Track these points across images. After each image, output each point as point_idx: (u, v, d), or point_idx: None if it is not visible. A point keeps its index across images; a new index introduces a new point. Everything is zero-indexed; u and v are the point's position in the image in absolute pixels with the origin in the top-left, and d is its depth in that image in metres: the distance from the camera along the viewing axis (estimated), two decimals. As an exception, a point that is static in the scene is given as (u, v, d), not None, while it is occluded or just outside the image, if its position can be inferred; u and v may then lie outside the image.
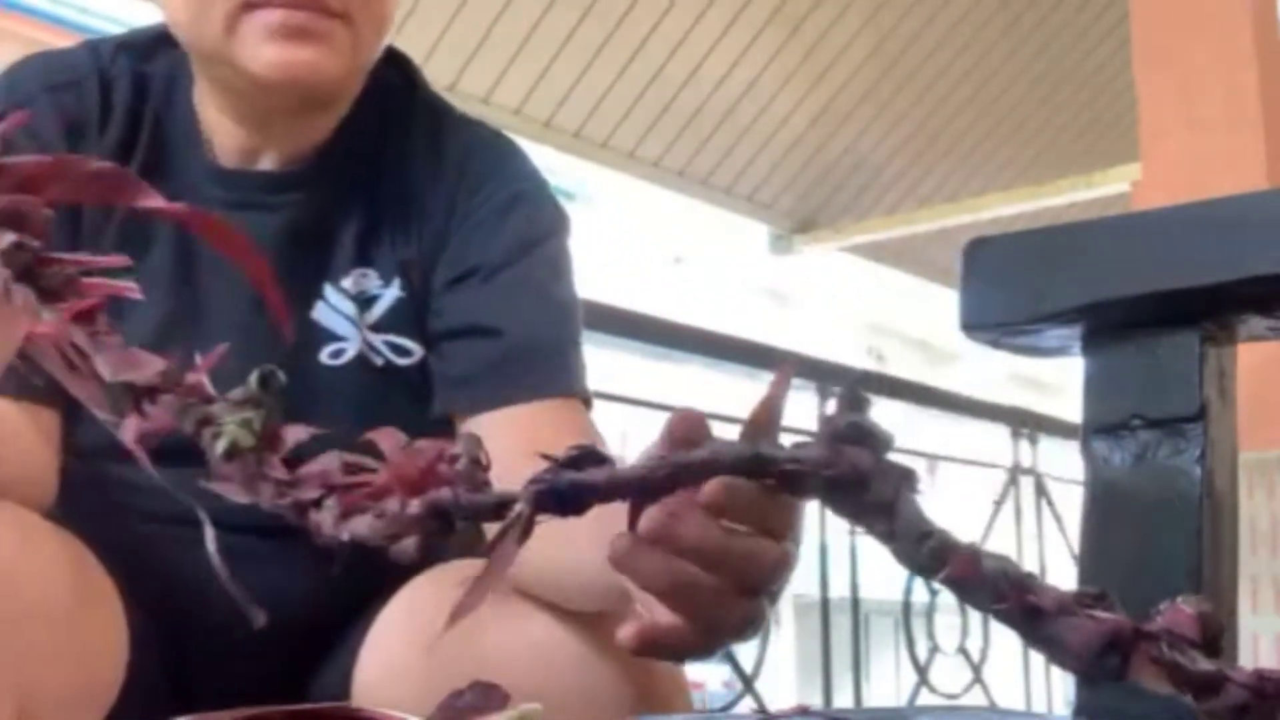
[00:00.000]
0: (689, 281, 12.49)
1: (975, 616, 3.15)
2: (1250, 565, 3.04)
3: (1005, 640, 3.36)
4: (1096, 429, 0.81)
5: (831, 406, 0.48)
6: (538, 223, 1.01)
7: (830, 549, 2.80)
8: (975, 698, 3.16)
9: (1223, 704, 0.42)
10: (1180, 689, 0.42)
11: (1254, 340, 0.84)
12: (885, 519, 0.45)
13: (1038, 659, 3.55)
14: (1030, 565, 2.67)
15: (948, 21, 6.16)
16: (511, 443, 0.50)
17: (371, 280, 0.99)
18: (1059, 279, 0.84)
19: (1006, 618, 0.44)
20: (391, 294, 0.99)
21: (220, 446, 0.46)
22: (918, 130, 6.75)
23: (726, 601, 0.56)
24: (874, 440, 0.45)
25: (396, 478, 0.46)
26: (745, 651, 2.52)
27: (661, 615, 0.57)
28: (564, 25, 5.54)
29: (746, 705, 2.45)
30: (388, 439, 0.47)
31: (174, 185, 0.97)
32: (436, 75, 5.27)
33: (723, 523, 0.55)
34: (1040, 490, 3.47)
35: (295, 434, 0.47)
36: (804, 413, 2.22)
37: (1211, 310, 0.80)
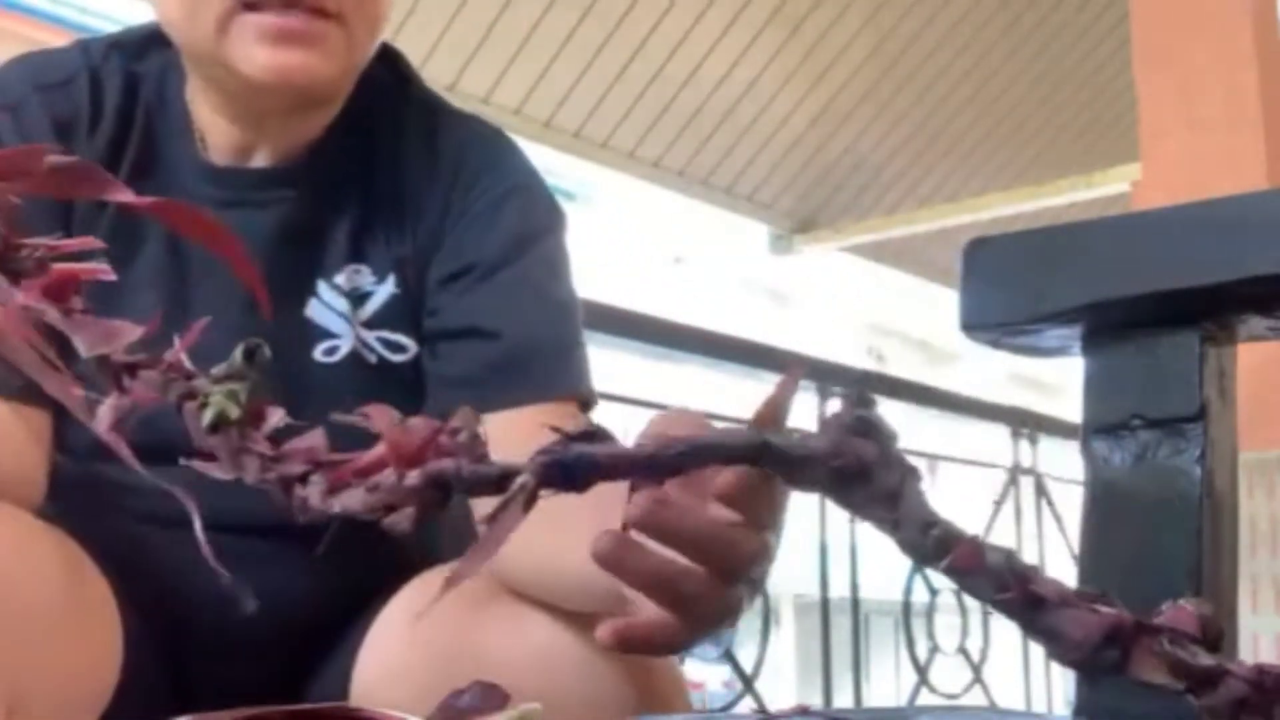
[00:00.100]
0: (689, 281, 12.49)
1: (975, 616, 3.15)
2: (1250, 565, 3.04)
3: (1005, 640, 3.37)
4: (1096, 429, 0.81)
5: (832, 406, 0.49)
6: (533, 219, 1.01)
7: (830, 549, 2.80)
8: (975, 698, 3.16)
9: (1222, 698, 0.43)
10: (1179, 681, 0.43)
11: (1254, 340, 0.84)
12: (889, 509, 0.45)
13: (1038, 659, 3.55)
14: (1030, 565, 2.66)
15: (948, 21, 6.16)
16: (511, 446, 0.50)
17: (365, 276, 0.99)
18: (1059, 279, 0.84)
19: (1008, 608, 0.44)
20: (386, 290, 0.99)
21: (206, 418, 0.46)
22: (918, 130, 6.75)
23: (708, 590, 0.56)
24: (880, 433, 0.45)
25: (392, 451, 0.46)
26: (745, 651, 2.52)
27: (646, 609, 0.57)
28: (564, 25, 5.54)
29: (746, 705, 2.45)
30: (381, 415, 0.46)
31: (165, 183, 0.97)
32: (436, 75, 5.27)
33: (708, 510, 0.55)
34: (1040, 490, 3.47)
35: (279, 413, 0.47)
36: (804, 413, 2.23)
37: (1211, 310, 0.80)
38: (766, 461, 0.46)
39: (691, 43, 5.87)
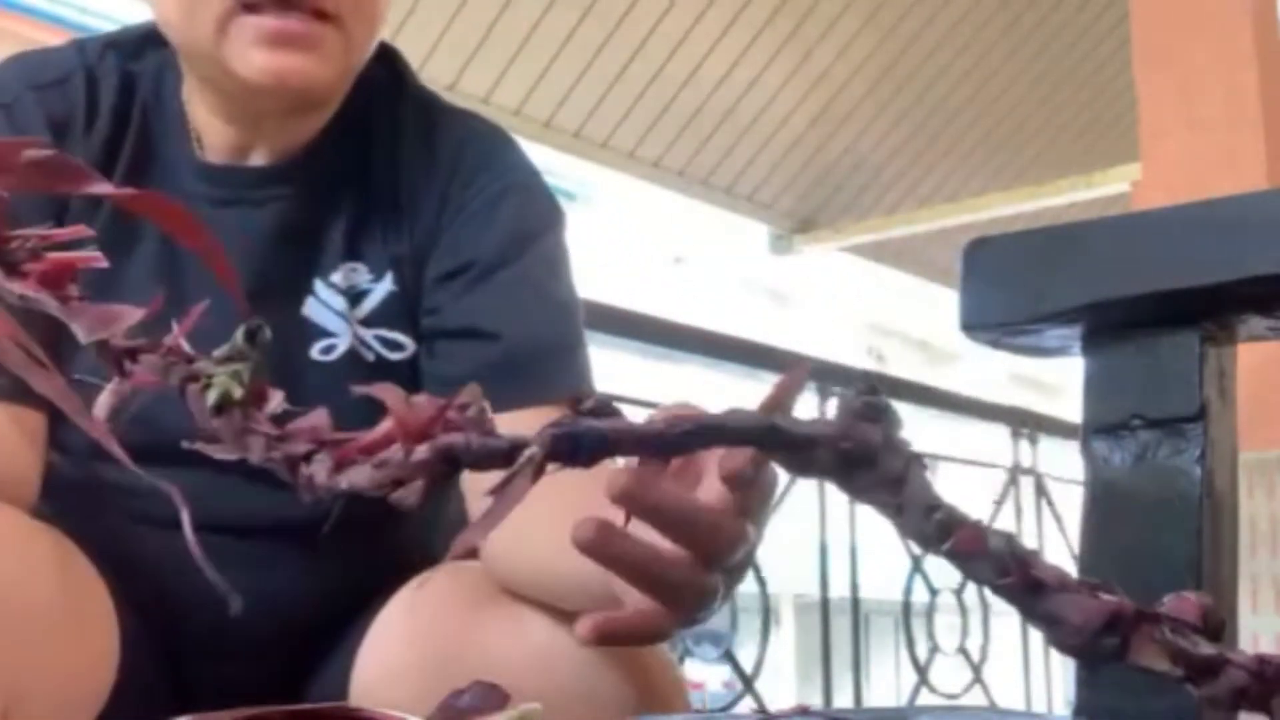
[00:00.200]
0: (689, 281, 12.49)
1: (975, 616, 3.15)
2: (1250, 565, 3.04)
3: (1005, 640, 3.37)
4: (1096, 429, 0.81)
5: (833, 406, 0.49)
6: (532, 217, 1.01)
7: (830, 549, 2.80)
8: (975, 698, 3.16)
9: (1222, 688, 0.43)
10: (1179, 669, 0.43)
11: (1254, 340, 0.84)
12: (893, 493, 0.46)
13: (1038, 659, 3.56)
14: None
15: (948, 21, 6.16)
16: None
17: (362, 274, 0.99)
18: (1059, 279, 0.84)
19: (1009, 593, 0.44)
20: (383, 288, 0.99)
21: (210, 398, 0.46)
22: (918, 130, 6.75)
23: (687, 573, 0.55)
24: (886, 419, 0.46)
25: (400, 427, 0.46)
26: (745, 651, 2.52)
27: (630, 599, 0.57)
28: (564, 25, 5.54)
29: (746, 705, 2.45)
30: (388, 392, 0.47)
31: (161, 182, 0.97)
32: (436, 75, 5.28)
33: (693, 492, 0.55)
34: (1040, 490, 3.47)
35: (279, 395, 0.47)
36: (804, 413, 2.22)
37: (1211, 310, 0.80)
38: (773, 443, 0.47)
39: (691, 43, 5.87)
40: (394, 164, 1.01)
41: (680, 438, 0.47)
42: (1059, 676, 3.64)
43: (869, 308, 13.51)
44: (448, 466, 0.46)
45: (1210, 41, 4.00)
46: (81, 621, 0.87)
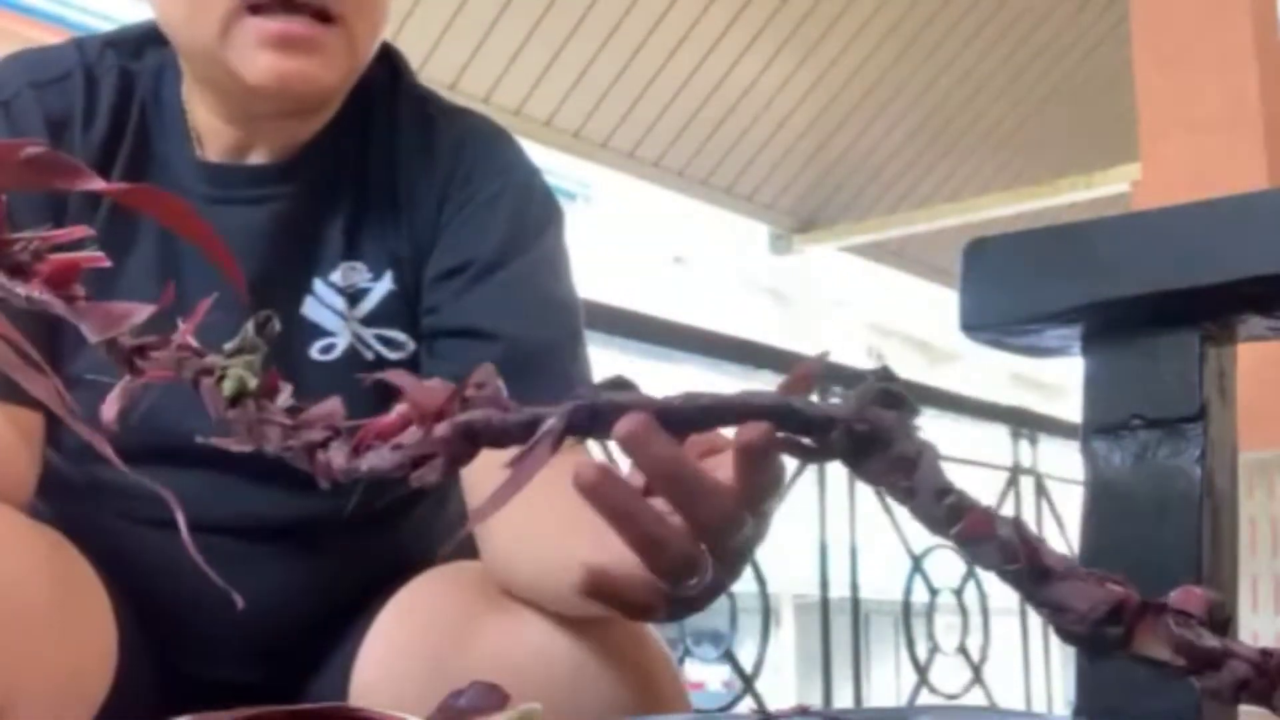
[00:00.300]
0: (689, 281, 12.49)
1: (975, 616, 3.15)
2: (1250, 565, 3.04)
3: (1005, 640, 3.37)
4: (1096, 429, 0.81)
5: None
6: (531, 215, 1.01)
7: (830, 549, 2.80)
8: (975, 698, 3.16)
9: (1224, 680, 0.43)
10: (1181, 659, 0.43)
11: (1254, 340, 0.84)
12: (906, 476, 0.46)
13: (1038, 659, 3.56)
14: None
15: (947, 22, 6.16)
16: (504, 454, 0.49)
17: (361, 273, 0.99)
18: (1059, 279, 0.84)
19: (1015, 579, 0.45)
20: (382, 287, 0.99)
21: (226, 390, 0.46)
22: (918, 130, 6.75)
23: (681, 540, 0.55)
24: (902, 404, 0.46)
25: (414, 408, 0.46)
26: (745, 651, 2.52)
27: (624, 567, 0.57)
28: (564, 25, 5.54)
29: (746, 705, 2.45)
30: (400, 376, 0.47)
31: (160, 180, 0.96)
32: (436, 75, 5.27)
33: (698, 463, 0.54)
34: (1040, 490, 3.47)
35: (288, 388, 0.47)
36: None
37: (1211, 310, 0.80)
38: (790, 422, 0.47)
39: (691, 43, 5.87)
40: (393, 163, 1.00)
41: (698, 413, 0.48)
42: (1059, 676, 3.64)
43: (869, 308, 13.51)
44: (467, 444, 0.46)
45: (1210, 41, 4.00)
46: (78, 621, 0.87)
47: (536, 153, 1.07)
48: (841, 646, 2.93)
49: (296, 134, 0.98)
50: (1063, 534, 3.41)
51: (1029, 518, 3.45)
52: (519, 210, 1.00)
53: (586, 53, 5.71)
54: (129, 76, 0.99)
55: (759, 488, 0.54)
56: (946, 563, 3.08)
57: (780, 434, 0.49)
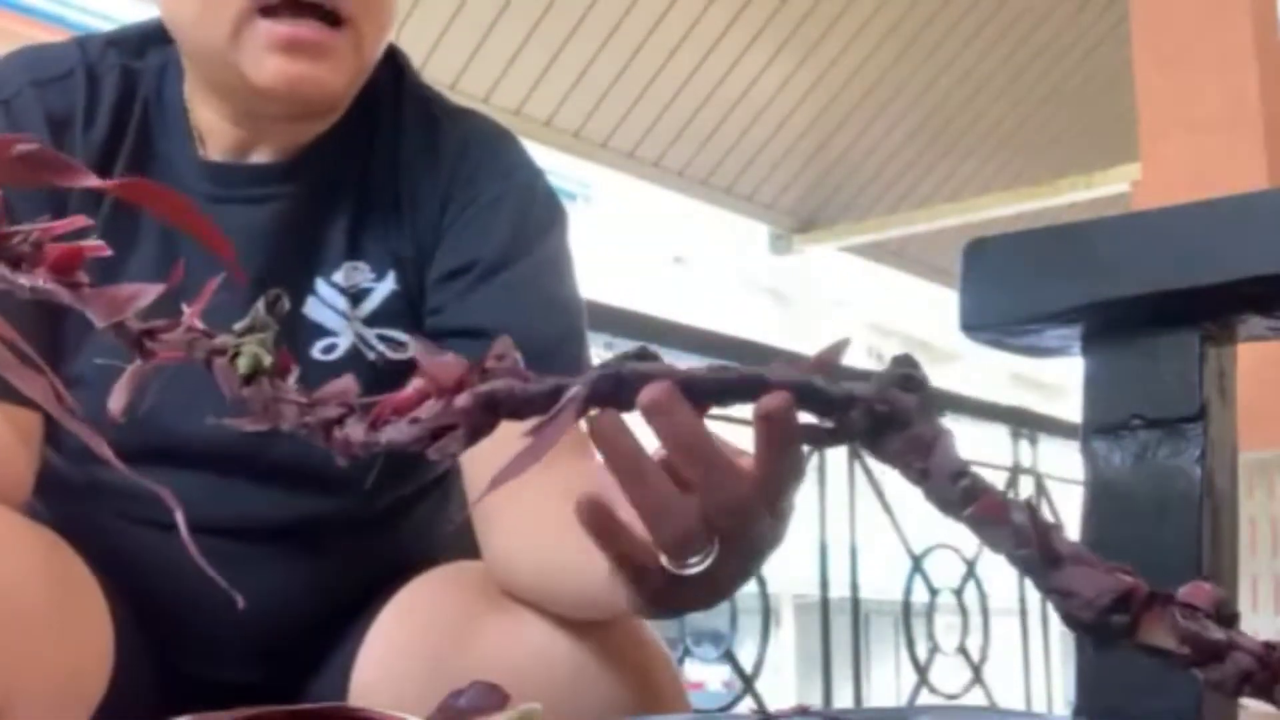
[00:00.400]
0: (689, 281, 12.50)
1: (975, 616, 3.15)
2: (1250, 565, 3.04)
3: (1005, 640, 3.36)
4: (1096, 429, 0.81)
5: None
6: (534, 217, 1.01)
7: (830, 549, 2.80)
8: (975, 698, 3.16)
9: (1228, 672, 0.43)
10: (1185, 649, 0.43)
11: (1254, 340, 0.84)
12: (922, 458, 0.47)
13: (1038, 659, 3.55)
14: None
15: (947, 21, 6.16)
16: (508, 449, 0.49)
17: (363, 273, 0.99)
18: (1059, 279, 0.84)
19: (1025, 563, 0.45)
20: (385, 288, 0.99)
21: (241, 368, 0.46)
22: (918, 130, 6.75)
23: (686, 512, 0.54)
24: (922, 388, 0.47)
25: (431, 380, 0.46)
26: (745, 651, 2.52)
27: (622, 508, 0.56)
28: (564, 25, 5.54)
29: (746, 705, 2.45)
30: (418, 349, 0.47)
31: (161, 179, 0.96)
32: (436, 75, 5.27)
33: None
34: (1040, 490, 3.47)
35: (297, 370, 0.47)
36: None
37: (1211, 310, 0.80)
38: (811, 399, 0.47)
39: (691, 43, 5.87)
40: (396, 163, 1.00)
41: (719, 385, 0.48)
42: (1059, 676, 3.64)
43: (869, 308, 13.51)
44: (488, 414, 0.46)
45: (1210, 41, 4.00)
46: (76, 621, 0.87)
47: (536, 153, 1.07)
48: (841, 646, 2.93)
49: (301, 135, 0.98)
50: (1063, 534, 3.41)
51: (1029, 518, 3.44)
52: (522, 212, 0.99)
53: (586, 53, 5.71)
54: (131, 75, 0.99)
55: (778, 475, 0.53)
56: (946, 563, 3.08)
57: (798, 421, 0.50)
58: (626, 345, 2.49)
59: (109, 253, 0.48)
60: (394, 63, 1.04)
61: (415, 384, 0.47)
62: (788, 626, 11.73)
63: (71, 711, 0.86)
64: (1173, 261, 0.80)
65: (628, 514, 0.56)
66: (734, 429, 0.63)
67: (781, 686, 10.18)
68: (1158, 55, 4.07)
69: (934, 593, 3.02)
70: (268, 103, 0.93)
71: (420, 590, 0.95)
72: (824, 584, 2.81)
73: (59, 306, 0.48)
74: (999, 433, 3.45)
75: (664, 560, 0.57)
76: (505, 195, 0.99)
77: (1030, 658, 3.54)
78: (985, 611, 3.20)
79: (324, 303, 0.98)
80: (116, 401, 0.47)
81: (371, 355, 0.98)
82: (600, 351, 1.04)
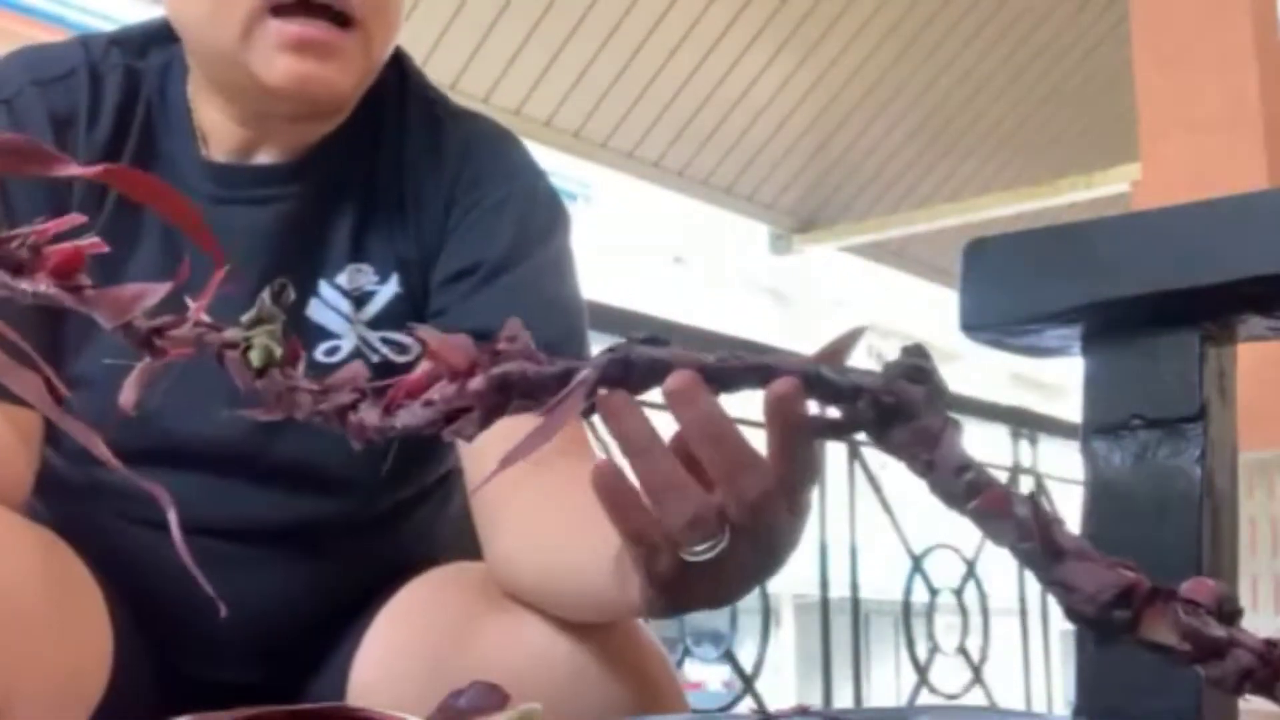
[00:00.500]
0: (689, 281, 12.50)
1: (975, 616, 3.15)
2: (1250, 565, 3.04)
3: (1005, 640, 3.36)
4: (1096, 429, 0.81)
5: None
6: (537, 219, 1.01)
7: (830, 549, 2.80)
8: (975, 698, 3.16)
9: (1228, 669, 0.43)
10: (1187, 646, 0.43)
11: (1254, 340, 0.84)
12: (927, 449, 0.47)
13: (1038, 659, 3.55)
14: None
15: (947, 22, 6.16)
16: (511, 446, 0.49)
17: (367, 276, 0.98)
18: (1059, 279, 0.84)
19: (1028, 557, 0.45)
20: (389, 290, 0.99)
21: (255, 359, 0.46)
22: (918, 130, 6.75)
23: (697, 494, 0.54)
24: (930, 379, 0.47)
25: (442, 364, 0.46)
26: (745, 651, 2.52)
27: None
28: (564, 25, 5.54)
29: (746, 705, 2.45)
30: (425, 332, 0.47)
31: (164, 179, 0.96)
32: (436, 75, 5.24)
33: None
34: (1040, 490, 3.47)
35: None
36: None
37: (1211, 310, 0.80)
38: (819, 388, 0.47)
39: (691, 43, 5.87)
40: (400, 165, 1.00)
41: (728, 372, 0.48)
42: (1059, 676, 3.64)
43: (869, 308, 13.50)
44: (501, 396, 0.47)
45: (1210, 41, 4.00)
46: (75, 621, 0.87)
47: (537, 153, 1.07)
48: (841, 646, 2.93)
49: (306, 136, 0.98)
50: (1063, 534, 3.40)
51: (1029, 518, 3.44)
52: (525, 214, 0.99)
53: (586, 53, 5.71)
54: (134, 75, 0.99)
55: (794, 468, 0.53)
56: (946, 563, 3.08)
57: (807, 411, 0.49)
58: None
59: (107, 250, 0.48)
60: (399, 64, 1.04)
61: (424, 367, 0.47)
62: (788, 626, 11.73)
63: (71, 711, 0.86)
64: (1173, 261, 0.80)
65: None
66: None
67: (781, 686, 10.18)
68: (1158, 55, 4.07)
69: (934, 593, 3.02)
70: (276, 102, 0.92)
71: (420, 590, 0.95)
72: (824, 584, 2.81)
73: (60, 307, 0.48)
74: (999, 433, 3.45)
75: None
76: (509, 198, 0.99)
77: (1030, 658, 3.54)
78: (985, 611, 3.20)
79: (327, 305, 0.97)
80: (127, 396, 0.47)
81: (375, 358, 0.98)
82: (595, 350, 1.04)
